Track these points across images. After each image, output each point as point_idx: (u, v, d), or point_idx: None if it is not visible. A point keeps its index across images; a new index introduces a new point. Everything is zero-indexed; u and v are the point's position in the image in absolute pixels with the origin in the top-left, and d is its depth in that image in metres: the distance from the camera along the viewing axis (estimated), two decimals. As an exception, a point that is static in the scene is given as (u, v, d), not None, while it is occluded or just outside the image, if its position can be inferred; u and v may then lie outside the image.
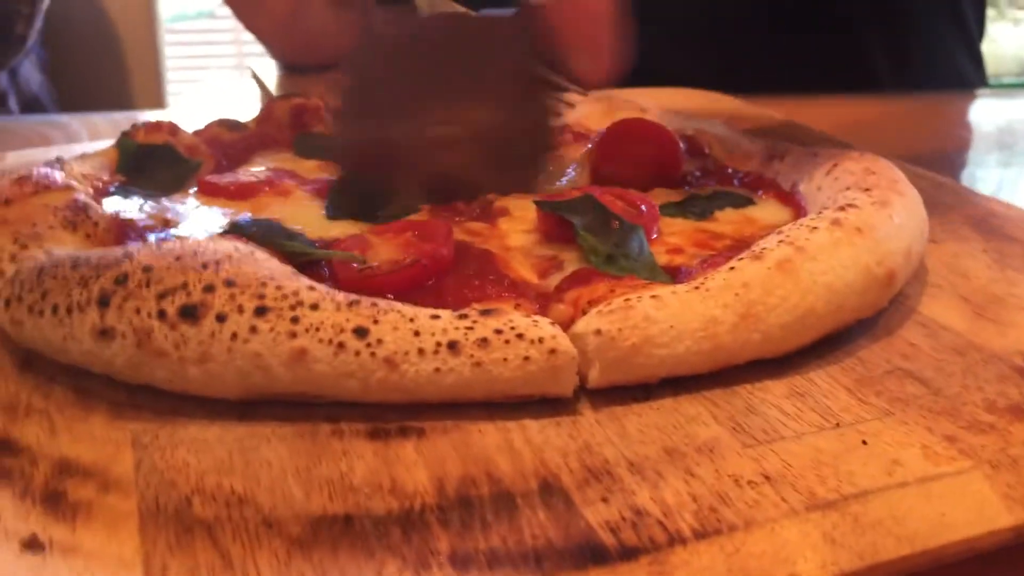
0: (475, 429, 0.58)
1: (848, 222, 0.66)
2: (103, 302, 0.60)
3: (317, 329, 0.58)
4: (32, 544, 0.48)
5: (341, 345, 0.58)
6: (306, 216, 0.81)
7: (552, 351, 0.58)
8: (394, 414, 0.59)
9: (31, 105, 1.82)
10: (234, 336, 0.58)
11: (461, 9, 1.33)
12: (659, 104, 1.19)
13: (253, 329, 0.58)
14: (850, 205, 0.68)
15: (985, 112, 1.58)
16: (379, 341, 0.58)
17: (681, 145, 0.93)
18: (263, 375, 0.58)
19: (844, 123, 1.23)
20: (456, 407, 0.59)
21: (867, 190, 0.71)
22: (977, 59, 1.75)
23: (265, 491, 0.52)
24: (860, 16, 1.61)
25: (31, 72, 1.85)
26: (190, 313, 0.59)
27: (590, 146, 0.93)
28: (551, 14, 0.80)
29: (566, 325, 0.63)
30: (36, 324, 0.63)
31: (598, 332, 0.58)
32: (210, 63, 4.92)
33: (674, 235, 0.76)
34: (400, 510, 0.51)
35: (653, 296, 0.60)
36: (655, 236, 0.76)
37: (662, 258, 0.72)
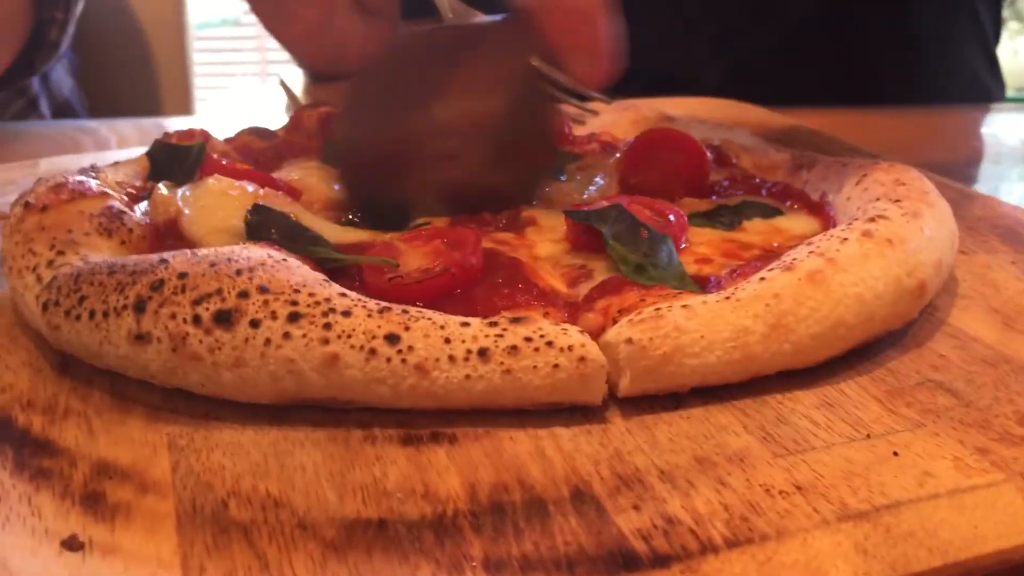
0: (506, 436, 0.58)
1: (879, 233, 0.66)
2: (139, 307, 0.61)
3: (349, 335, 0.59)
4: (72, 544, 0.49)
5: (372, 351, 0.58)
6: (315, 221, 0.81)
7: (581, 359, 0.58)
8: (425, 420, 0.60)
9: (62, 109, 1.84)
10: (267, 341, 0.59)
11: (485, 18, 1.34)
12: (685, 113, 1.20)
13: (286, 335, 0.59)
14: (880, 216, 0.68)
15: (1008, 126, 1.57)
16: (410, 348, 0.59)
17: (708, 155, 0.94)
18: (295, 380, 0.59)
19: (863, 136, 1.23)
20: (487, 414, 0.60)
21: (897, 201, 0.71)
22: (993, 62, 1.74)
23: (300, 494, 0.53)
24: (873, 24, 1.60)
25: (62, 77, 1.87)
26: (225, 319, 0.60)
27: (618, 155, 0.94)
28: (542, 16, 0.80)
29: (596, 334, 0.63)
30: (73, 328, 0.64)
31: (629, 341, 0.59)
32: (234, 70, 4.98)
33: (702, 245, 0.76)
34: (433, 515, 0.51)
35: (684, 306, 0.60)
36: (684, 246, 0.76)
37: (691, 268, 0.72)
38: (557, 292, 0.70)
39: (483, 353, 0.58)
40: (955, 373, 0.64)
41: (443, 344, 0.59)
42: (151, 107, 2.12)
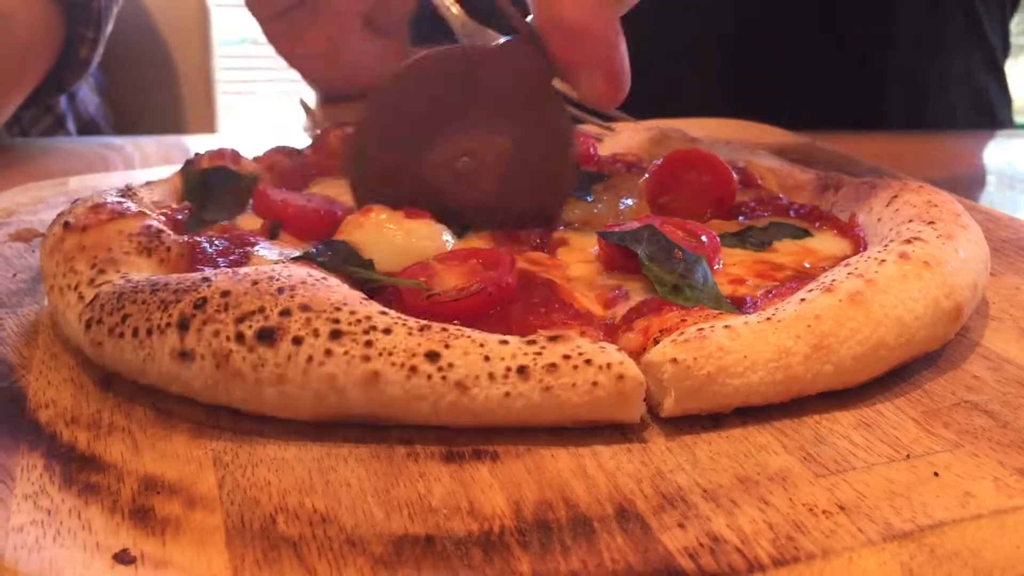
0: (548, 454, 0.59)
1: (916, 256, 0.66)
2: (183, 325, 0.62)
3: (390, 353, 0.59)
4: (124, 558, 0.50)
5: (413, 369, 0.59)
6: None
7: (620, 377, 0.59)
8: (466, 437, 0.60)
9: (88, 127, 1.86)
10: (310, 359, 0.59)
11: (500, 39, 1.35)
12: (708, 134, 1.20)
13: (328, 352, 0.60)
14: (916, 238, 0.69)
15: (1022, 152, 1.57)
16: (450, 365, 0.59)
17: (735, 176, 0.94)
18: (337, 397, 0.60)
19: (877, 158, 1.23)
20: (527, 432, 0.60)
21: (931, 223, 0.72)
22: (1000, 79, 1.74)
23: (347, 511, 0.54)
24: (874, 44, 1.61)
25: (88, 95, 1.89)
26: (267, 336, 0.60)
27: (647, 176, 0.94)
28: (547, 37, 0.80)
29: (636, 354, 0.64)
30: (116, 345, 0.64)
31: (674, 361, 0.59)
32: (254, 88, 5.01)
33: (735, 266, 0.77)
34: (480, 532, 0.52)
35: (726, 326, 0.61)
36: (717, 267, 0.76)
37: (725, 288, 0.72)
38: (592, 313, 0.70)
39: (522, 371, 0.59)
40: (990, 394, 0.64)
41: (483, 362, 0.59)
42: (175, 125, 2.14)
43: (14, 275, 0.87)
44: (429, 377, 0.59)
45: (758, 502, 0.54)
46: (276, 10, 1.46)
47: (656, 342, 0.63)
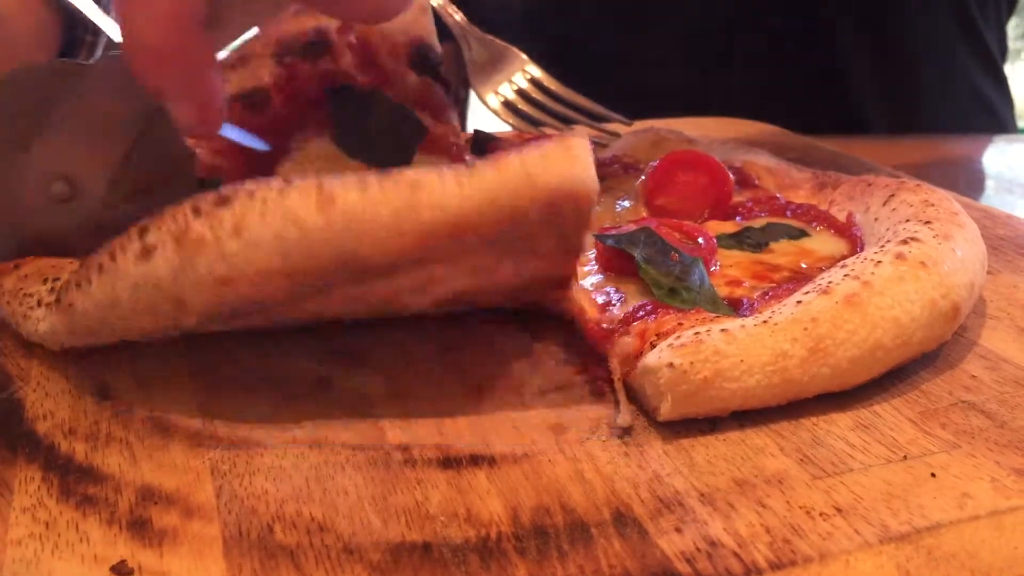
0: (545, 459, 0.59)
1: (912, 256, 0.66)
2: (143, 232, 0.60)
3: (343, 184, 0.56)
4: (122, 570, 0.50)
5: (363, 182, 0.56)
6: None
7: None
8: (464, 443, 0.60)
9: None
10: (265, 201, 0.57)
11: (500, 43, 1.35)
12: (704, 134, 1.20)
13: (282, 192, 0.57)
14: (912, 238, 0.69)
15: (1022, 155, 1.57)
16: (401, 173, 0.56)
17: (731, 176, 0.94)
18: (298, 230, 0.56)
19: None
20: (525, 437, 0.60)
21: (928, 222, 0.72)
22: (1000, 80, 1.73)
23: (344, 518, 0.54)
24: (870, 47, 1.61)
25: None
26: (223, 202, 0.58)
27: (643, 178, 0.94)
28: (131, 59, 0.69)
29: (634, 357, 0.64)
30: (85, 294, 0.62)
31: (671, 365, 0.59)
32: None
33: (732, 267, 0.77)
34: (477, 538, 0.52)
35: (723, 330, 0.61)
36: (714, 268, 0.76)
37: (722, 290, 0.72)
38: (591, 315, 0.70)
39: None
40: (988, 394, 0.64)
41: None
42: None
43: (12, 285, 0.87)
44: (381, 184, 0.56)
45: (755, 505, 0.54)
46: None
47: (653, 346, 0.63)
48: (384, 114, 0.95)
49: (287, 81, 0.94)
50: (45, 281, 0.71)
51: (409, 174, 0.56)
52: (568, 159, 0.57)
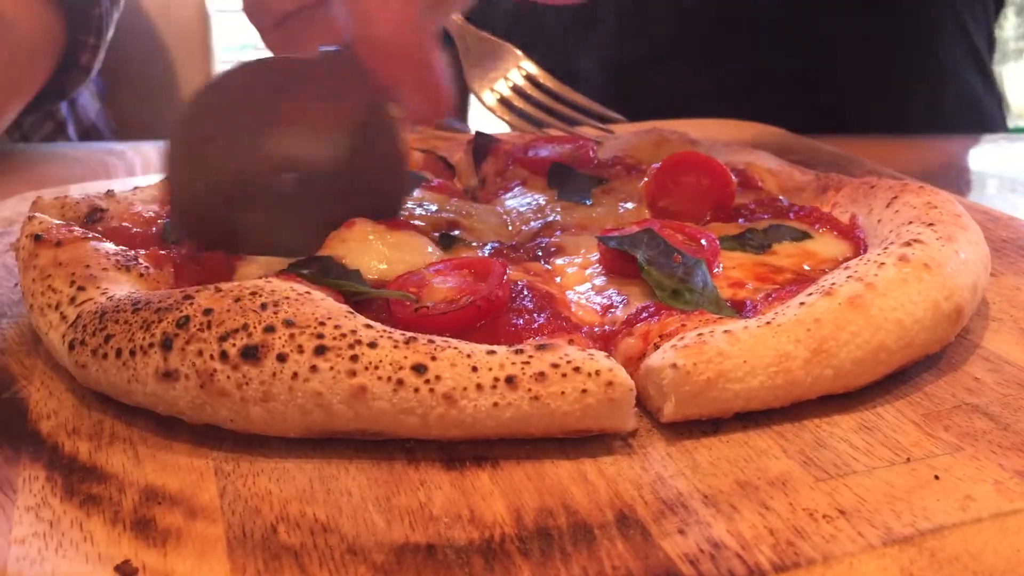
0: (548, 461, 0.59)
1: (916, 258, 0.66)
2: (166, 345, 0.61)
3: (376, 367, 0.59)
4: (126, 569, 0.50)
5: (400, 382, 0.58)
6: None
7: (609, 383, 0.59)
8: (467, 446, 0.60)
9: (88, 133, 1.86)
10: (295, 375, 0.59)
11: (495, 40, 1.35)
12: (706, 136, 1.20)
13: (313, 368, 0.59)
14: (916, 240, 0.69)
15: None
16: (437, 377, 0.58)
17: (734, 178, 0.94)
18: (324, 413, 0.59)
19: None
20: (528, 440, 0.60)
21: (931, 224, 0.72)
22: (988, 80, 1.73)
23: (348, 520, 0.54)
24: (859, 48, 1.61)
25: (89, 101, 1.89)
26: (251, 354, 0.59)
27: (646, 179, 0.94)
28: (363, 54, 0.76)
29: (637, 359, 0.64)
30: (100, 367, 0.64)
31: (674, 366, 0.59)
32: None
33: (735, 269, 0.77)
34: (481, 540, 0.52)
35: (726, 331, 0.61)
36: (717, 270, 0.76)
37: (725, 292, 0.72)
38: (585, 321, 0.70)
39: (511, 380, 0.59)
40: (990, 396, 0.64)
41: (470, 372, 0.59)
42: None
43: (15, 285, 0.87)
44: (416, 390, 0.58)
45: (758, 507, 0.54)
46: (275, 19, 1.46)
47: (656, 347, 0.63)
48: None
49: None
50: (72, 284, 0.70)
51: (449, 383, 0.58)
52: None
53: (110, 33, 1.51)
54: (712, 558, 0.50)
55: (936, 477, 0.56)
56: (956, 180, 1.35)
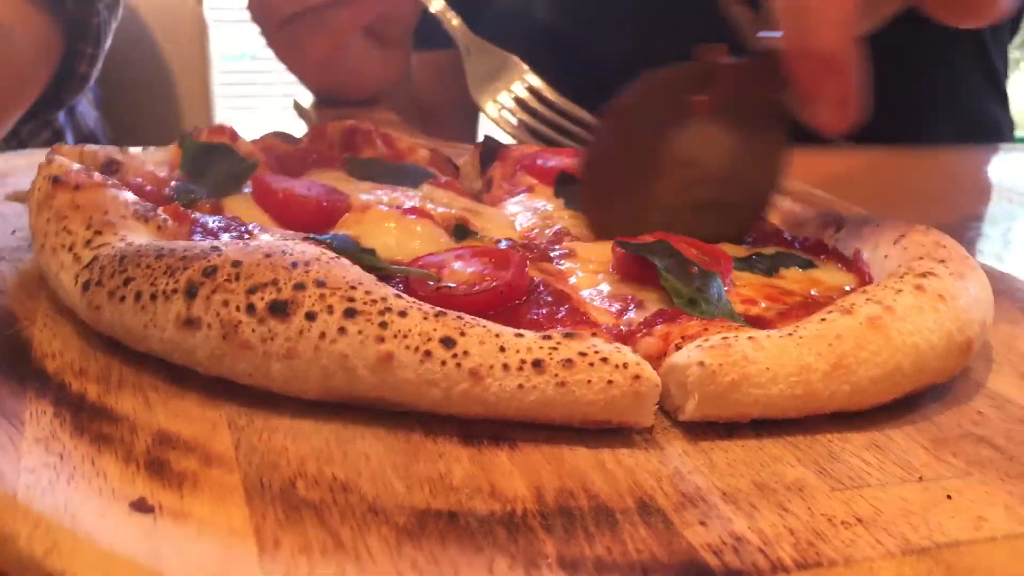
0: (566, 446, 0.59)
1: (931, 288, 0.68)
2: (190, 292, 0.60)
3: (405, 336, 0.59)
4: (141, 506, 0.49)
5: (428, 353, 0.58)
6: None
7: (636, 377, 0.59)
8: (483, 426, 0.60)
9: (86, 141, 1.84)
10: (322, 335, 0.58)
11: (500, 52, 1.36)
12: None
13: (342, 330, 0.59)
14: (930, 273, 0.70)
15: (1020, 165, 1.59)
16: (465, 353, 0.58)
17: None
18: (346, 377, 0.59)
19: (874, 175, 1.24)
20: (546, 425, 0.60)
21: (942, 261, 0.74)
22: (1003, 97, 1.77)
23: (367, 481, 0.53)
24: (878, 61, 1.64)
25: (87, 109, 1.87)
26: (280, 309, 0.59)
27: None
28: (791, 62, 0.78)
29: (654, 358, 0.64)
30: (116, 310, 0.63)
31: (701, 364, 0.59)
32: (254, 103, 5.05)
33: (745, 287, 0.78)
34: (503, 512, 0.51)
35: (750, 337, 0.61)
36: (728, 287, 0.77)
37: (738, 307, 0.73)
38: (600, 321, 0.70)
39: (537, 364, 0.59)
40: (995, 429, 0.66)
41: (498, 352, 0.59)
42: (173, 139, 2.13)
43: (13, 232, 0.85)
44: (443, 363, 0.58)
45: (777, 508, 0.54)
46: (280, 19, 1.46)
47: (677, 348, 0.63)
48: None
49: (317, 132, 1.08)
50: (88, 227, 0.69)
51: (476, 360, 0.58)
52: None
53: (108, 42, 1.50)
54: (735, 550, 0.50)
55: (949, 497, 0.56)
56: (957, 190, 1.37)
